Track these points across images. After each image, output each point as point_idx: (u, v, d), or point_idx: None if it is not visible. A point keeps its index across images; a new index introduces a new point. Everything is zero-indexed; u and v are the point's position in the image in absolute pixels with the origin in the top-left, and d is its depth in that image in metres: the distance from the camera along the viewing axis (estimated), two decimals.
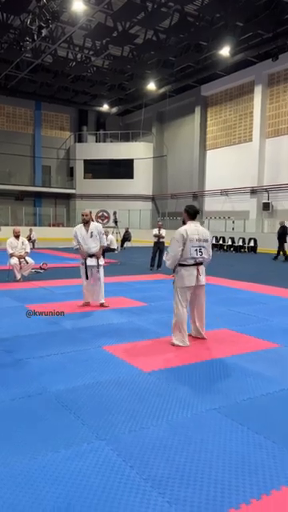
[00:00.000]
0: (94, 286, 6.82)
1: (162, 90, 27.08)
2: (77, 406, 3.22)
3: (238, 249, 22.08)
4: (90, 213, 6.91)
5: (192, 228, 4.81)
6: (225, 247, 23.05)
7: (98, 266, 6.74)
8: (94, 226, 6.76)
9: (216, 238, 23.76)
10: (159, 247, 12.24)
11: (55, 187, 32.46)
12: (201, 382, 3.79)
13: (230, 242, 22.93)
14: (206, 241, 4.89)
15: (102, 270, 6.80)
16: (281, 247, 16.51)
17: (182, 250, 4.75)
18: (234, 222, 24.80)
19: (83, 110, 33.42)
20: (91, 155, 32.00)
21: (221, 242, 23.54)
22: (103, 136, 34.35)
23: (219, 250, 22.93)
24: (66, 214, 32.33)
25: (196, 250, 4.78)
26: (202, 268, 4.90)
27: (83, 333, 5.32)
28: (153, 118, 31.77)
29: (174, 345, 4.82)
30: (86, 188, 32.09)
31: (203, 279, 4.93)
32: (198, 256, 4.81)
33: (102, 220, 30.32)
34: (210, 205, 27.37)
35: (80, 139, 33.63)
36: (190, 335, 5.11)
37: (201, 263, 4.89)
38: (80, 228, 6.77)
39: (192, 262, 4.79)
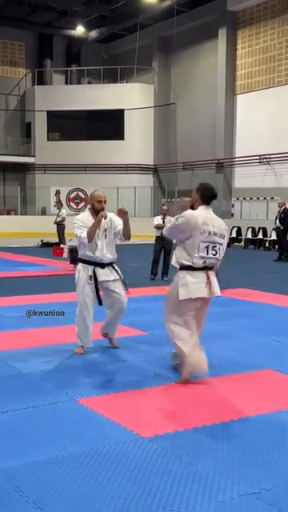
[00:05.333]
0: (113, 314, 6.28)
1: (166, 3, 27.06)
2: (38, 493, 3.18)
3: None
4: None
5: (205, 216, 5.12)
6: (266, 244, 23.03)
7: (122, 281, 6.23)
8: (111, 218, 6.17)
9: (253, 229, 23.74)
10: (164, 246, 12.23)
11: (2, 154, 32.48)
12: (231, 451, 3.76)
13: (274, 237, 22.93)
14: (222, 237, 5.18)
15: (121, 286, 6.25)
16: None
17: (187, 241, 5.10)
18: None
19: (45, 35, 33.47)
20: (59, 104, 32.05)
21: (260, 235, 23.52)
22: (77, 75, 34.36)
23: (258, 248, 22.91)
24: (20, 196, 32.35)
25: (207, 246, 5.06)
26: (212, 274, 5.17)
27: (47, 378, 5.31)
28: (153, 47, 31.81)
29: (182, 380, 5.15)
30: (50, 155, 32.13)
31: (217, 289, 5.18)
32: (210, 256, 5.09)
33: (77, 204, 30.29)
34: (242, 179, 27.39)
35: (41, 80, 33.66)
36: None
37: (211, 268, 5.16)
38: (87, 217, 6.13)
39: (201, 263, 5.07)
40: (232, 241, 22.59)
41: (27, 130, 33.62)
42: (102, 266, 6.10)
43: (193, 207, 5.29)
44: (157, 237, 12.31)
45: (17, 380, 5.27)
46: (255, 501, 3.13)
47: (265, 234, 23.40)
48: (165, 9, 27.80)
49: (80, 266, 6.19)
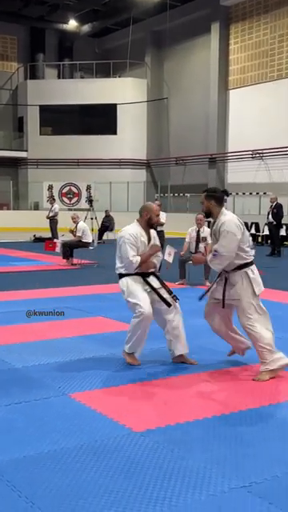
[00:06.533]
0: (170, 324, 5.58)
1: None
2: (30, 488, 3.19)
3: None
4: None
5: (233, 216, 5.39)
6: (259, 239, 23.07)
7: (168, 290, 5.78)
8: (154, 236, 5.95)
9: (246, 225, 23.67)
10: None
11: None
12: (222, 445, 3.78)
13: (266, 232, 22.95)
14: None
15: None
16: None
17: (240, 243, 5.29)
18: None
19: (38, 29, 33.37)
20: (51, 98, 31.97)
21: (253, 230, 23.54)
22: (70, 69, 34.25)
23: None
24: (12, 191, 32.28)
25: (249, 238, 5.49)
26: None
27: (39, 373, 5.31)
28: (146, 41, 31.73)
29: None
30: (43, 149, 32.06)
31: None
32: (252, 245, 5.57)
33: (70, 199, 30.24)
34: (235, 174, 27.41)
35: (34, 74, 33.55)
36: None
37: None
38: (139, 232, 5.69)
39: (251, 254, 5.30)
40: None
41: (19, 125, 33.52)
42: (148, 274, 5.77)
43: (209, 215, 5.41)
44: None
45: (8, 375, 5.26)
46: (246, 494, 3.15)
47: (257, 229, 23.45)
48: (157, 3, 27.74)
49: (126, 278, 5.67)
